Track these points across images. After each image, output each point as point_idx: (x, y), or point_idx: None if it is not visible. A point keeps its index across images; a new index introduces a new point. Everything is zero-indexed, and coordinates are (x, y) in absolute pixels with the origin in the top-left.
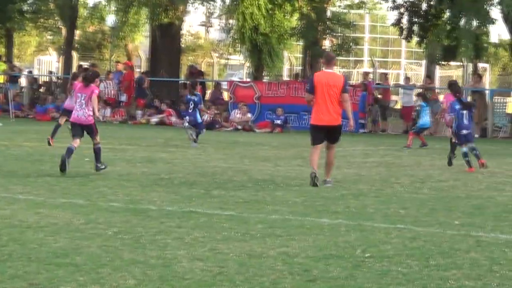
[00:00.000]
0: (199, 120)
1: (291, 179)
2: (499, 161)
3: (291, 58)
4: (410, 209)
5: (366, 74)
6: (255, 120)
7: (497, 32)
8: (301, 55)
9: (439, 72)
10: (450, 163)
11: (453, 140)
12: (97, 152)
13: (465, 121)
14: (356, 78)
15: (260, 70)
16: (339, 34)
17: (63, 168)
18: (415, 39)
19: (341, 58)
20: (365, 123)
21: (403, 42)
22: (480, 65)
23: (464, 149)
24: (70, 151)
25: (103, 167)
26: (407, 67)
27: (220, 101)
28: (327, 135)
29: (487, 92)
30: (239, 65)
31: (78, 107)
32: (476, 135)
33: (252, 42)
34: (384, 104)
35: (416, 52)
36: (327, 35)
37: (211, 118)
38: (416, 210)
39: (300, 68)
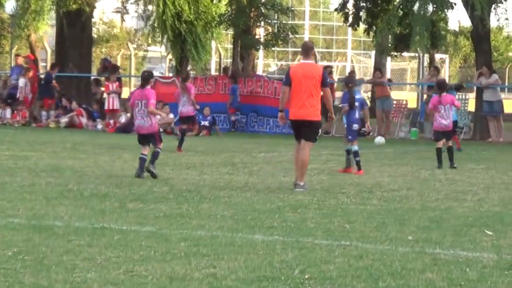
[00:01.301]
0: None
1: (220, 189)
2: (459, 167)
3: (220, 49)
4: (356, 223)
5: None
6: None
7: (456, 18)
8: (231, 46)
9: (390, 64)
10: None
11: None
12: (155, 155)
13: (357, 115)
14: None
15: (184, 64)
16: (275, 21)
17: (141, 174)
18: (362, 26)
19: (277, 49)
20: None
21: (349, 30)
22: (438, 56)
23: (356, 147)
24: (142, 161)
25: (154, 170)
26: (354, 58)
27: None
28: (302, 131)
29: None
30: (160, 57)
31: (138, 116)
32: (432, 137)
33: (175, 31)
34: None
35: (364, 41)
36: (261, 23)
37: (126, 120)
38: (363, 224)
39: (230, 60)
